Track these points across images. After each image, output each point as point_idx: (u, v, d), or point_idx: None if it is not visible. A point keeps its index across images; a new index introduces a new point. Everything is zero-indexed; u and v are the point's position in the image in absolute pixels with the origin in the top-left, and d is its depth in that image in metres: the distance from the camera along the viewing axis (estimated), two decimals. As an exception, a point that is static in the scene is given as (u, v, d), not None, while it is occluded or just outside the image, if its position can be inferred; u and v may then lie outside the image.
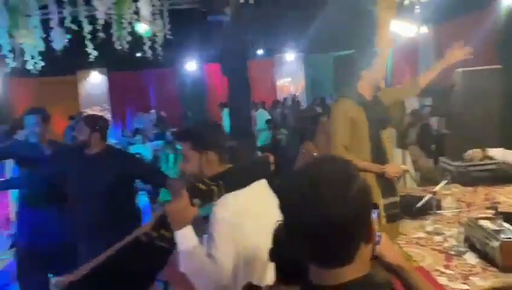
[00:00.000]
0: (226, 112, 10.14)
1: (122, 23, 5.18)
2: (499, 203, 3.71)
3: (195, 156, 1.77)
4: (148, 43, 5.64)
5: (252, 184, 1.77)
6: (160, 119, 10.66)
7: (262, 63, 13.81)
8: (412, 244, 3.19)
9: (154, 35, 5.79)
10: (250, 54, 12.12)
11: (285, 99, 12.52)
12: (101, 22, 5.03)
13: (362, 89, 2.67)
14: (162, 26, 5.66)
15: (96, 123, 3.11)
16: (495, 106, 5.25)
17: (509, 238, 2.52)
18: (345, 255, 0.84)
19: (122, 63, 11.29)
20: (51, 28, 5.11)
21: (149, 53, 5.72)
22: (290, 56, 13.76)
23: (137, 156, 5.19)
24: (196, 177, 1.74)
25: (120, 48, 5.53)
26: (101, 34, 5.34)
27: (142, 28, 5.41)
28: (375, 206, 1.00)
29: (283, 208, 0.85)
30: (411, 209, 3.69)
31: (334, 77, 12.24)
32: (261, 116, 8.98)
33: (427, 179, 5.09)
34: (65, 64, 8.85)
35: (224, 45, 5.40)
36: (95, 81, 13.40)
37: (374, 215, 0.94)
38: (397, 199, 2.90)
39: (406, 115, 6.97)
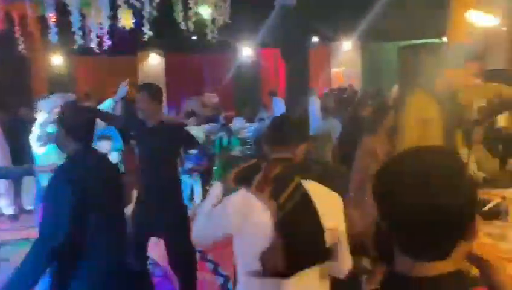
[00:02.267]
0: (276, 100, 10.06)
1: (188, 3, 5.19)
2: None
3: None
4: (210, 27, 5.64)
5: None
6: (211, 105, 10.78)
7: (318, 51, 13.57)
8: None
9: (214, 18, 5.79)
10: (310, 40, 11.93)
11: (339, 88, 12.22)
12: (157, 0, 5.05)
13: (439, 85, 2.48)
14: (225, 10, 5.63)
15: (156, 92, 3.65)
16: None
17: None
18: (444, 250, 0.82)
19: (179, 45, 11.51)
20: (119, 6, 5.20)
21: (210, 36, 5.74)
22: (348, 44, 13.37)
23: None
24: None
25: (184, 28, 5.56)
26: (154, 13, 5.30)
27: (206, 10, 5.41)
28: None
29: (383, 196, 0.83)
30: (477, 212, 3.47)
31: (402, 68, 11.61)
32: (313, 103, 8.80)
33: (491, 182, 4.76)
34: (128, 44, 9.14)
35: (287, 29, 5.28)
36: (153, 62, 13.76)
37: None
38: None
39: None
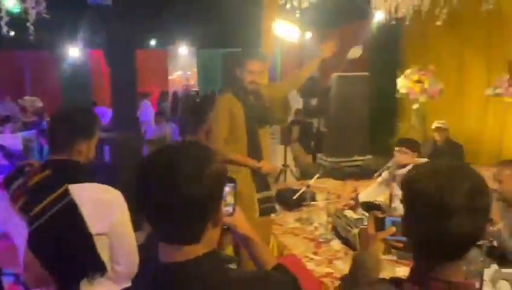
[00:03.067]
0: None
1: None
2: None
3: None
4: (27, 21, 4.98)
5: None
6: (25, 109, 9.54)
7: (154, 54, 13.40)
8: (287, 234, 3.42)
9: (26, 12, 5.17)
10: (142, 43, 11.64)
11: (175, 92, 12.34)
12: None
13: (245, 86, 2.74)
14: (39, 3, 5.05)
15: None
16: (364, 108, 5.89)
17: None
18: (195, 234, 0.87)
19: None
20: None
21: (24, 32, 5.08)
22: (183, 49, 13.59)
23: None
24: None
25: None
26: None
27: (10, 2, 4.79)
28: (233, 180, 1.03)
29: (137, 189, 0.85)
30: (289, 201, 3.95)
31: (223, 73, 12.47)
32: (146, 108, 8.60)
33: (306, 174, 5.47)
34: None
35: (108, 31, 5.03)
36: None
37: (229, 189, 1.00)
38: (271, 193, 2.98)
39: (290, 113, 7.41)
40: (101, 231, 1.63)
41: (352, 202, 3.65)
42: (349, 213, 3.40)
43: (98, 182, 1.70)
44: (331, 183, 5.11)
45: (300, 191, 3.79)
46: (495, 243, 2.40)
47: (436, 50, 6.70)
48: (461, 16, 5.80)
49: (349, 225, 3.03)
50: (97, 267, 1.64)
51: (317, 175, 4.09)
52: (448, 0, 3.63)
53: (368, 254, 1.19)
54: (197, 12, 8.52)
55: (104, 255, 1.65)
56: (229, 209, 1.03)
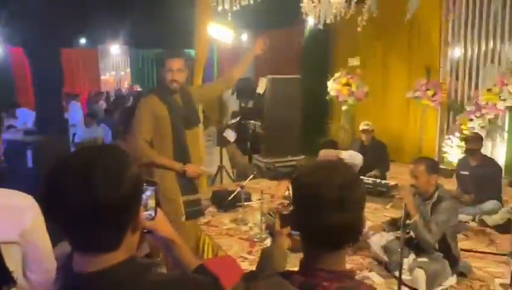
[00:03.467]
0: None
1: None
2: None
3: None
4: None
5: None
6: None
7: (84, 53, 12.78)
8: (222, 235, 3.45)
9: None
10: (70, 41, 11.04)
11: (107, 92, 11.85)
12: None
13: (168, 86, 2.62)
14: None
15: None
16: (296, 110, 6.08)
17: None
18: (112, 241, 0.84)
19: None
20: None
21: None
22: (115, 48, 13.08)
23: None
24: None
25: None
26: None
27: None
28: (154, 184, 1.01)
29: (48, 194, 0.81)
30: (223, 202, 3.97)
31: (157, 73, 12.19)
32: (75, 110, 8.15)
33: (243, 175, 5.53)
34: None
35: (29, 26, 4.67)
36: None
37: (150, 192, 0.99)
38: (198, 196, 2.81)
39: (227, 115, 7.43)
40: (9, 239, 1.53)
41: (285, 201, 3.76)
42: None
43: (16, 189, 1.58)
44: (266, 184, 5.23)
45: (235, 193, 3.83)
46: (412, 235, 2.61)
47: (363, 55, 7.10)
48: (385, 24, 6.21)
49: (281, 224, 3.10)
50: (5, 280, 1.51)
51: (251, 176, 4.16)
52: (369, 9, 3.86)
53: (274, 248, 1.24)
54: (130, 11, 8.27)
55: (13, 265, 1.53)
56: (151, 213, 1.02)
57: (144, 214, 1.00)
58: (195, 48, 4.31)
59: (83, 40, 12.75)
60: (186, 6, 4.14)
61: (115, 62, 13.45)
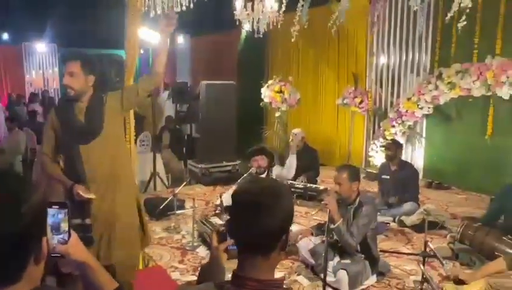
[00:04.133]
0: None
1: None
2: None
3: None
4: None
5: None
6: None
7: (6, 50, 11.86)
8: (154, 244, 3.38)
9: None
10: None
11: (33, 94, 11.06)
12: None
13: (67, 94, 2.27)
14: None
15: None
16: (232, 116, 6.10)
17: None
18: (10, 274, 0.79)
19: None
20: None
21: None
22: (41, 46, 12.24)
23: None
24: None
25: None
26: None
27: None
28: (65, 206, 0.96)
29: None
30: (155, 211, 3.90)
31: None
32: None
33: (178, 180, 5.46)
34: None
35: None
36: None
37: (62, 215, 0.95)
38: (87, 221, 2.32)
39: (161, 120, 7.30)
40: None
41: (218, 209, 3.77)
42: (214, 219, 3.52)
43: None
44: (201, 190, 5.21)
45: (167, 200, 3.78)
46: (336, 238, 2.75)
47: (296, 63, 7.34)
48: (316, 34, 6.47)
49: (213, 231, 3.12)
50: None
51: (184, 183, 4.13)
52: (300, 20, 4.00)
53: (212, 263, 1.29)
54: (58, 6, 7.84)
55: None
56: (64, 236, 0.99)
57: (56, 237, 0.96)
58: (125, 50, 4.20)
59: (4, 36, 11.89)
60: (116, 7, 4.02)
61: (42, 61, 12.61)
